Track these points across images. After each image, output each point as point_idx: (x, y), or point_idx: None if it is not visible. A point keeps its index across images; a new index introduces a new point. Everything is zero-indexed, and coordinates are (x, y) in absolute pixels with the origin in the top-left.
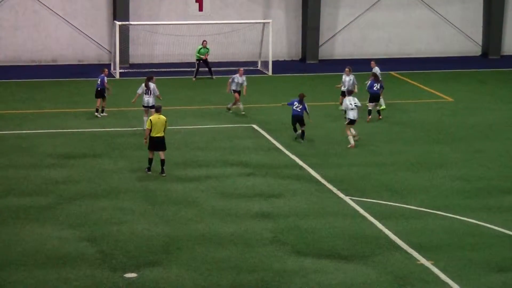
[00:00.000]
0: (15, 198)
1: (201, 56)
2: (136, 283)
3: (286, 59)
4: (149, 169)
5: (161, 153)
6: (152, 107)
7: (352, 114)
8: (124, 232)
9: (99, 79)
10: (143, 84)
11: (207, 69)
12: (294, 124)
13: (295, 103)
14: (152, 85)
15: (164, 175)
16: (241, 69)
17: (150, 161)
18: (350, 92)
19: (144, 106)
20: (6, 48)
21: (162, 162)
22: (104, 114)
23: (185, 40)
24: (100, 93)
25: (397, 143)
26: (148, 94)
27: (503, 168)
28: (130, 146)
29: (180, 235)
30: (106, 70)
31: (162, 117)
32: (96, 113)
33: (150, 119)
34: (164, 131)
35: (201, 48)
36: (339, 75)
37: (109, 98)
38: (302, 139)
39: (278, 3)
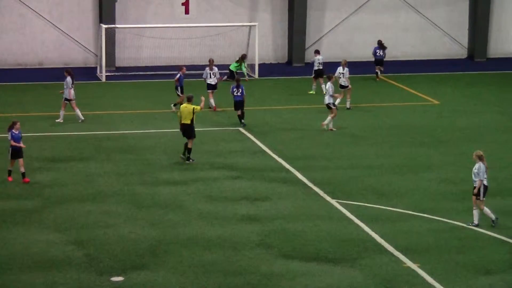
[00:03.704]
0: (1, 202)
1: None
2: (123, 287)
3: (272, 62)
4: (183, 155)
5: (188, 140)
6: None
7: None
8: (110, 236)
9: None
10: (69, 77)
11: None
12: (237, 109)
13: (234, 89)
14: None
15: (187, 162)
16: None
17: (187, 149)
18: (329, 78)
19: (67, 100)
20: None
21: (188, 150)
22: (173, 108)
23: (172, 43)
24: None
25: (383, 146)
26: (72, 87)
27: (489, 170)
28: (116, 150)
29: (167, 239)
30: (184, 68)
31: (190, 106)
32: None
33: (180, 107)
34: (192, 120)
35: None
36: (324, 78)
37: (95, 101)
38: (242, 121)
39: (264, 6)
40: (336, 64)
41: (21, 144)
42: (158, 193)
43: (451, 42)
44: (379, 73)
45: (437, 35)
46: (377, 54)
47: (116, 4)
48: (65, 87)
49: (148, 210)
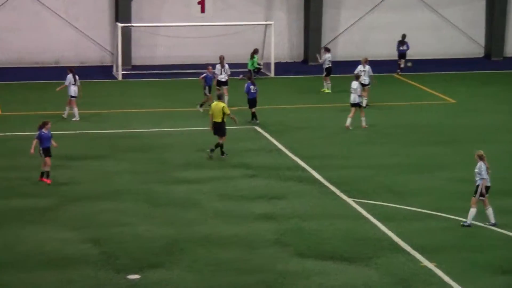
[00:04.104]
0: (17, 200)
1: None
2: (139, 285)
3: (288, 60)
4: (211, 150)
5: (218, 138)
6: (76, 97)
7: (351, 97)
8: (127, 234)
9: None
10: (70, 75)
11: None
12: (251, 107)
13: (251, 86)
14: (77, 76)
15: (222, 156)
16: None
17: (216, 144)
18: (357, 77)
19: (72, 97)
20: (8, 50)
21: (219, 145)
22: (199, 108)
23: (187, 42)
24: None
25: (399, 145)
26: (75, 84)
27: (505, 170)
28: (132, 148)
29: (182, 237)
30: (210, 67)
31: (220, 104)
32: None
33: (211, 106)
34: (223, 118)
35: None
36: (340, 76)
37: (111, 100)
38: (257, 119)
39: (280, 4)
40: (351, 63)
41: (53, 143)
42: (174, 191)
43: (467, 40)
44: (401, 65)
45: (454, 34)
46: (400, 48)
47: (132, 2)
48: (66, 84)
49: (164, 208)
